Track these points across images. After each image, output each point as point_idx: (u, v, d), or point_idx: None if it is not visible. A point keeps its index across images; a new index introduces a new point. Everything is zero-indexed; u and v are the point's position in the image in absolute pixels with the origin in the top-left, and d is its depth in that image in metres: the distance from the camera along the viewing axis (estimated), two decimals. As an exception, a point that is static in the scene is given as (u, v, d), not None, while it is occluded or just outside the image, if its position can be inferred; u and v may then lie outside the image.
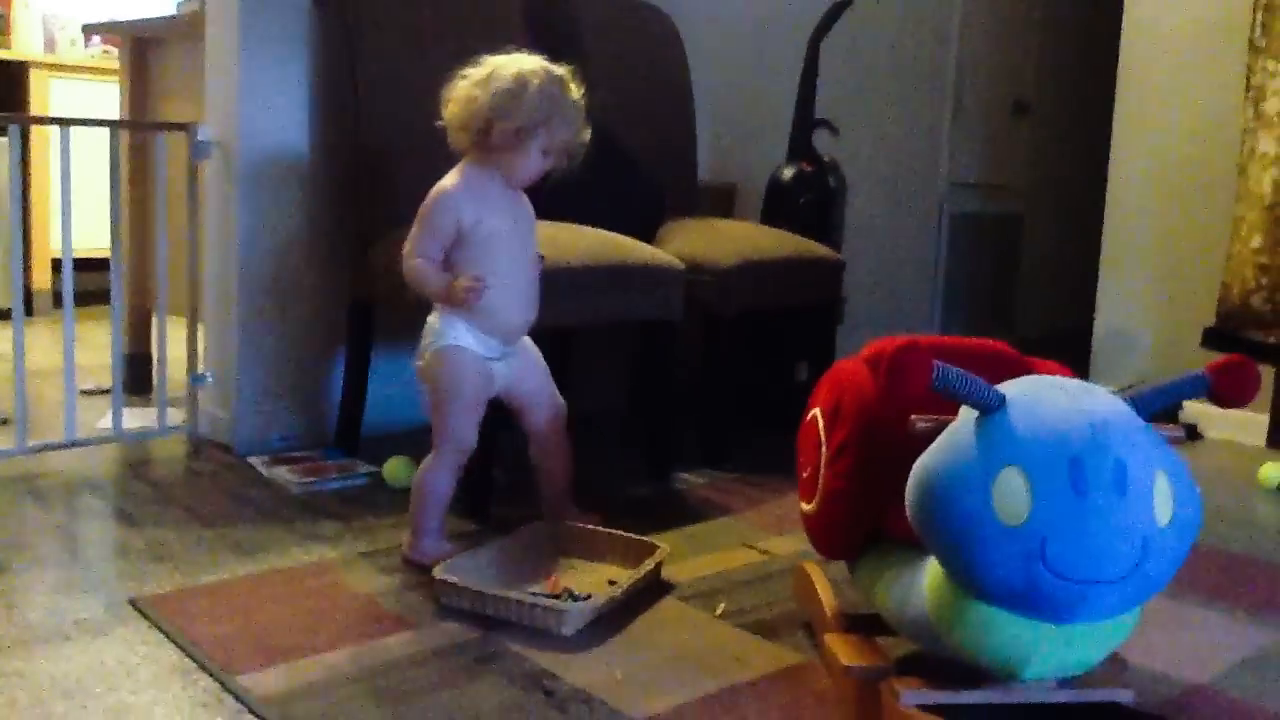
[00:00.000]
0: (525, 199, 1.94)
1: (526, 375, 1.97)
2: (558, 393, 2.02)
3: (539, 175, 1.87)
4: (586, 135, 1.88)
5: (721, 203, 3.67)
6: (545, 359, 2.97)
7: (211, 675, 1.47)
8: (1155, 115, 3.22)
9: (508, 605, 1.65)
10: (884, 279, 4.15)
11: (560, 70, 1.85)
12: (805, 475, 1.60)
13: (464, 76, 1.86)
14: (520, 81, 1.79)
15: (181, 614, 1.65)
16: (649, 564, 1.82)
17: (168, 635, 1.58)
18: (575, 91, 1.84)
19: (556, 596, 1.72)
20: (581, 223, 2.45)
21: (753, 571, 1.94)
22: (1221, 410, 2.96)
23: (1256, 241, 2.93)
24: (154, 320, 2.68)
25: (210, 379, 2.60)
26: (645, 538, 1.93)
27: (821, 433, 1.53)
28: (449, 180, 1.88)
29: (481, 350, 1.89)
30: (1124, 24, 3.31)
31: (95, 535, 2.02)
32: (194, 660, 1.51)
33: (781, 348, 3.01)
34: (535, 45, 2.72)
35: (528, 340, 1.99)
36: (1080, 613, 1.14)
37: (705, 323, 2.61)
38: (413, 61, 2.47)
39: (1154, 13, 3.21)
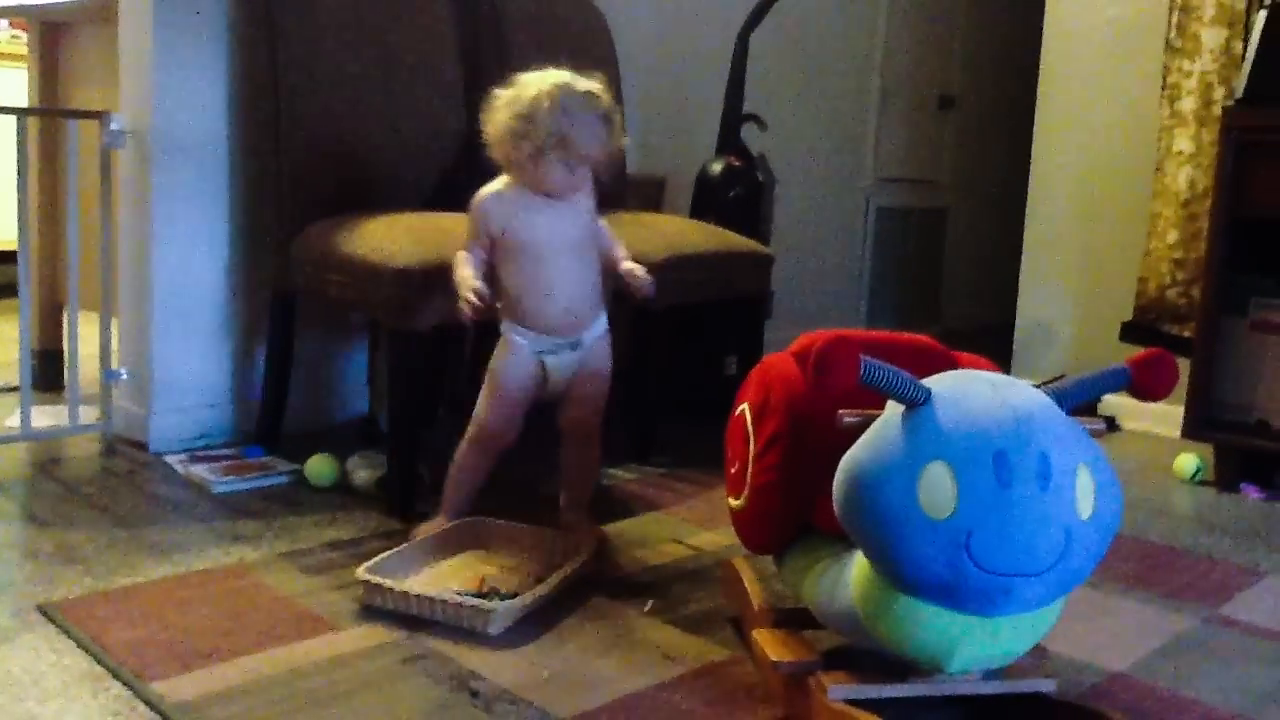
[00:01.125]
0: (580, 208, 1.95)
1: (579, 376, 1.98)
2: (599, 405, 2.01)
3: (571, 186, 1.90)
4: (620, 141, 1.91)
5: (650, 196, 3.66)
6: (472, 355, 2.95)
7: (124, 683, 1.42)
8: (1076, 113, 3.28)
9: (433, 605, 1.62)
10: (812, 273, 4.18)
11: (583, 85, 1.87)
12: (733, 470, 1.59)
13: (497, 96, 1.91)
14: (535, 103, 1.84)
15: (92, 619, 1.59)
16: (576, 561, 1.80)
17: (78, 641, 1.53)
18: (598, 103, 1.87)
19: (483, 595, 1.69)
20: (508, 216, 2.42)
21: (681, 567, 1.93)
22: (1138, 402, 3.03)
23: (1172, 237, 3.00)
24: (65, 315, 2.59)
25: (125, 375, 2.52)
26: (572, 535, 1.92)
27: (749, 427, 1.53)
28: (487, 187, 1.94)
29: (529, 345, 1.93)
30: (1045, 23, 3.36)
31: (2, 538, 1.94)
32: (105, 667, 1.46)
33: (710, 342, 3.01)
34: (460, 36, 2.69)
35: (600, 344, 1.99)
36: (1005, 605, 1.15)
37: (634, 316, 2.60)
38: (336, 49, 2.42)
39: (1074, 12, 3.26)
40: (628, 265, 2.00)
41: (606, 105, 1.88)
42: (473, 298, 1.83)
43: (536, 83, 1.87)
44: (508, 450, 1.99)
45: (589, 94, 1.87)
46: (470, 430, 1.97)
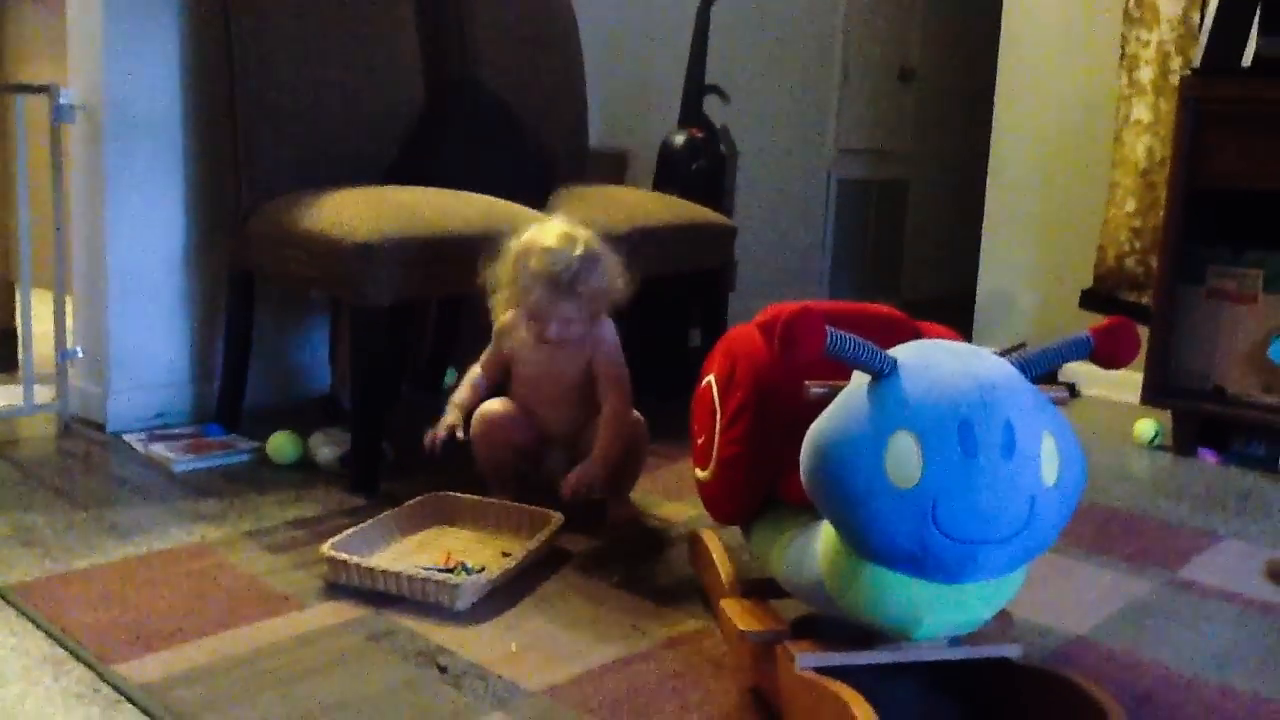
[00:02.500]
0: (582, 354, 2.00)
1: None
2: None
3: (549, 338, 1.95)
4: (550, 298, 1.91)
5: (613, 169, 3.64)
6: (435, 329, 2.93)
7: (86, 665, 1.40)
8: (1035, 83, 3.29)
9: (399, 581, 1.62)
10: (774, 244, 4.18)
11: (544, 243, 1.92)
12: (700, 442, 1.59)
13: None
14: (510, 258, 1.96)
15: (52, 601, 1.57)
16: (544, 534, 1.80)
17: (37, 624, 1.51)
18: (552, 262, 1.90)
19: (450, 570, 1.68)
20: (472, 191, 2.40)
21: (648, 539, 1.93)
22: (1097, 369, 3.06)
23: (1130, 206, 3.02)
24: (18, 293, 2.54)
25: (81, 353, 2.48)
26: (540, 508, 1.91)
27: (716, 399, 1.53)
28: (511, 312, 2.04)
29: None
30: (1005, -8, 3.37)
31: (-43, 521, 1.91)
32: (66, 650, 1.44)
33: (674, 314, 3.01)
34: (418, 8, 2.65)
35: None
36: (971, 572, 1.15)
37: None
38: (291, 21, 2.38)
39: (1033, -19, 3.27)
40: (574, 476, 1.94)
41: (564, 265, 1.89)
42: (442, 434, 1.96)
43: (524, 238, 1.95)
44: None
45: (546, 252, 1.90)
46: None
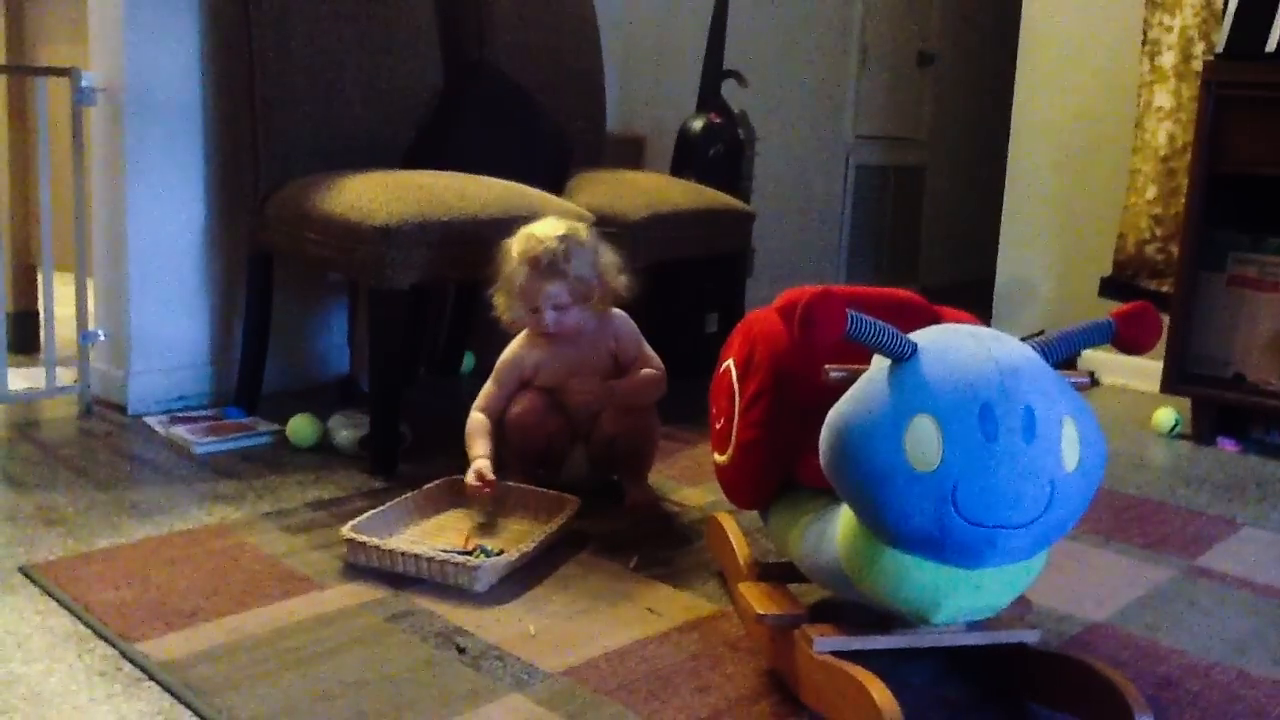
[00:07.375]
0: (602, 343, 2.01)
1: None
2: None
3: (545, 326, 1.95)
4: (533, 279, 1.93)
5: (630, 154, 3.64)
6: (453, 313, 2.93)
7: (109, 642, 1.42)
8: (1056, 69, 3.26)
9: (418, 562, 1.62)
10: (792, 230, 4.17)
11: (530, 231, 1.95)
12: (718, 426, 1.59)
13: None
14: (503, 256, 1.97)
15: (75, 580, 1.59)
16: (561, 518, 1.80)
17: (61, 602, 1.52)
18: (526, 242, 1.93)
19: (468, 552, 1.69)
20: (489, 174, 2.40)
21: (666, 523, 1.94)
22: (1117, 356, 3.04)
23: (1151, 193, 3.00)
24: (40, 276, 2.56)
25: (102, 336, 2.49)
26: (557, 492, 1.92)
27: (735, 383, 1.53)
28: (513, 343, 2.03)
29: None
30: (1026, -23, 3.34)
31: (-19, 500, 1.93)
32: (89, 627, 1.45)
33: (691, 299, 3.00)
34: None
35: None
36: (990, 557, 1.15)
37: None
38: (311, 2, 2.38)
39: (1055, -34, 3.24)
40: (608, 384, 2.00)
41: (543, 247, 1.90)
42: (474, 479, 1.86)
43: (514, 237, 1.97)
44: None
45: (528, 237, 1.93)
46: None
